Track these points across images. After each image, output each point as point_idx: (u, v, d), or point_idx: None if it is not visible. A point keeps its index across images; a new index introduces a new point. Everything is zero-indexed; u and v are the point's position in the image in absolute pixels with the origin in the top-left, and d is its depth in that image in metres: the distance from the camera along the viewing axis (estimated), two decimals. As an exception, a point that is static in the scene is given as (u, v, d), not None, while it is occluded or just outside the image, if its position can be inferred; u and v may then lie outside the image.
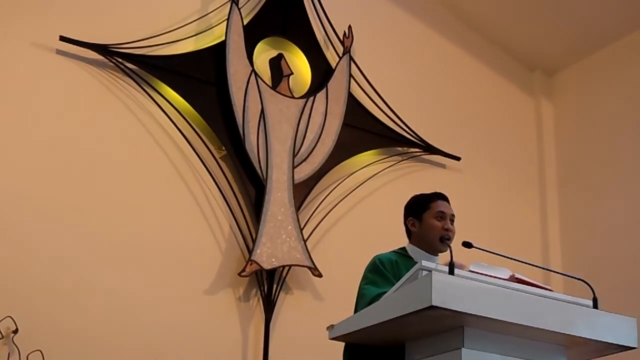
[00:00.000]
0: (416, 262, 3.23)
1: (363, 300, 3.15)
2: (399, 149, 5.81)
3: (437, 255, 3.40)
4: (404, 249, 3.45)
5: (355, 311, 3.19)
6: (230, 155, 5.09)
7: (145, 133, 4.96)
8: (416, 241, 3.44)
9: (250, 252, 4.91)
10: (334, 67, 5.59)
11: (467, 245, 2.97)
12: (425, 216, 3.41)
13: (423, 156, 5.91)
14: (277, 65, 5.46)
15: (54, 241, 4.50)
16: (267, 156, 5.12)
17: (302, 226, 5.11)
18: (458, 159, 6.03)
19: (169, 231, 4.86)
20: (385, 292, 3.04)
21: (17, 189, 4.49)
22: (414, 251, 3.41)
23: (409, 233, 3.49)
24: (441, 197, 3.47)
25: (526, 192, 6.42)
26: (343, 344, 3.21)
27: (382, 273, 3.24)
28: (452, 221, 3.41)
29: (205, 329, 4.80)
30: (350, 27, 5.70)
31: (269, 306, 4.96)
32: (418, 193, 3.57)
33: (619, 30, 6.15)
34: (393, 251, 3.42)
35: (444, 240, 3.31)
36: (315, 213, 5.30)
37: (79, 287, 4.50)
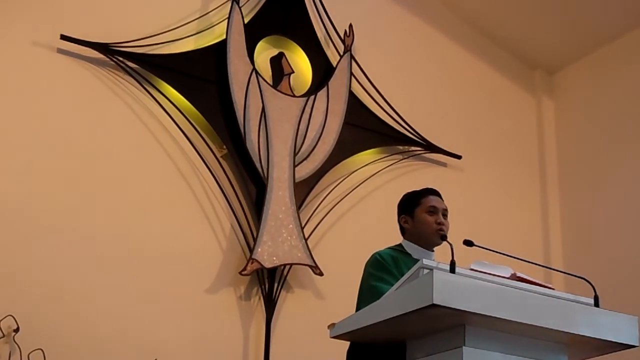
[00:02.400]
0: (414, 258, 3.26)
1: (376, 296, 3.09)
2: (400, 147, 5.81)
3: (432, 250, 3.42)
4: (400, 245, 3.46)
5: (362, 307, 3.16)
6: (231, 154, 5.09)
7: (146, 131, 4.96)
8: (410, 238, 3.45)
9: (251, 250, 4.91)
10: (334, 65, 5.59)
11: (468, 243, 2.98)
12: (417, 212, 3.42)
13: (424, 155, 5.91)
14: (278, 64, 5.46)
15: (55, 240, 4.50)
16: (268, 155, 5.12)
17: (303, 225, 5.11)
18: (459, 157, 6.03)
19: (170, 230, 4.86)
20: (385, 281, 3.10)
21: (18, 187, 4.49)
22: (409, 247, 3.41)
23: (402, 231, 3.49)
24: (432, 192, 3.48)
25: (527, 191, 6.41)
26: (344, 342, 3.21)
27: (387, 269, 3.25)
28: (445, 215, 3.41)
29: (206, 328, 4.80)
30: (351, 25, 5.69)
31: (270, 305, 4.96)
32: (409, 191, 3.58)
33: (620, 29, 6.15)
34: (390, 247, 3.43)
35: (443, 237, 3.30)
36: (316, 212, 5.29)
37: (80, 285, 4.50)
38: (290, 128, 5.27)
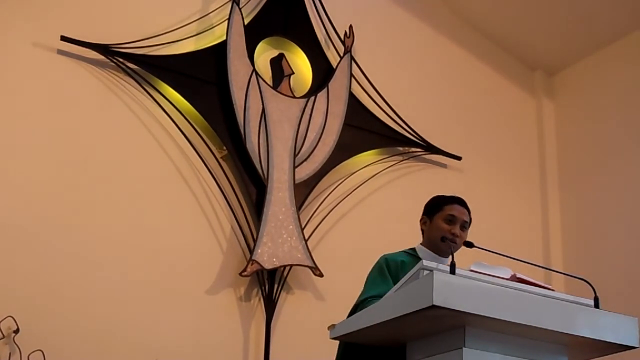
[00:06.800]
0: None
1: (354, 305, 3.18)
2: (400, 148, 5.81)
3: (446, 257, 3.36)
4: (413, 249, 3.43)
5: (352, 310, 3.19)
6: (232, 155, 5.09)
7: (146, 133, 4.96)
8: (425, 241, 3.44)
9: (251, 251, 4.91)
10: (334, 66, 5.59)
11: (468, 244, 2.97)
12: (436, 217, 3.40)
13: (424, 156, 5.91)
14: (278, 65, 5.46)
15: (55, 241, 4.50)
16: (268, 156, 5.12)
17: (303, 226, 5.11)
18: (459, 158, 6.03)
19: (170, 231, 4.86)
20: (374, 296, 3.08)
21: (18, 189, 4.49)
22: (422, 252, 3.39)
23: (422, 232, 3.48)
24: (458, 201, 3.44)
25: (527, 192, 6.41)
26: (344, 344, 3.21)
27: (384, 275, 3.24)
28: (463, 227, 3.38)
29: (206, 329, 4.80)
30: (351, 26, 5.69)
31: (270, 306, 4.96)
32: (422, 194, 3.56)
33: (620, 30, 6.15)
34: (403, 251, 3.41)
35: (445, 240, 3.29)
36: (316, 213, 5.29)
37: (80, 286, 4.50)
38: (291, 129, 5.27)
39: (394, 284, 3.09)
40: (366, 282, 3.29)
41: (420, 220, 3.48)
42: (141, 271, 4.70)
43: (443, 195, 3.51)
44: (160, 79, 5.02)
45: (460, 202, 3.45)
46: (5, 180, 4.47)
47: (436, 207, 3.43)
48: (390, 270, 3.25)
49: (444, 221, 3.37)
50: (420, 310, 2.63)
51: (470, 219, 3.44)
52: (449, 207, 3.40)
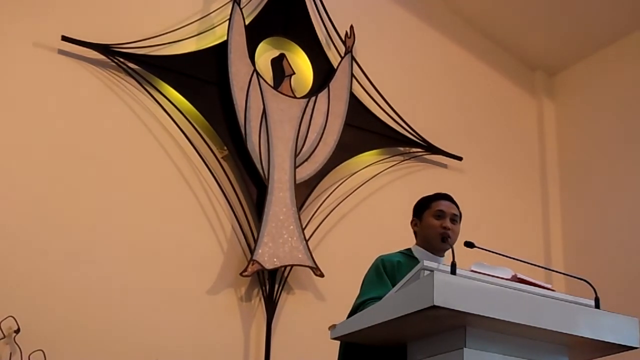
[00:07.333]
0: (420, 263, 3.25)
1: (352, 307, 3.19)
2: (401, 149, 5.81)
3: (442, 255, 3.39)
4: (409, 249, 3.44)
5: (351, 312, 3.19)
6: (232, 155, 5.09)
7: (147, 133, 4.96)
8: (419, 241, 3.45)
9: (252, 252, 4.92)
10: (335, 67, 5.59)
11: (469, 245, 2.97)
12: (425, 215, 3.42)
13: (425, 156, 5.91)
14: (279, 65, 5.46)
15: (56, 241, 4.50)
16: (269, 156, 5.12)
17: (303, 226, 5.12)
18: (460, 159, 6.03)
19: (170, 231, 4.86)
20: (373, 298, 3.07)
21: (19, 189, 4.50)
22: (418, 252, 3.40)
23: (414, 234, 3.49)
24: (443, 197, 3.47)
25: (528, 192, 6.41)
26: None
27: (381, 276, 3.25)
28: (454, 221, 3.39)
29: (207, 329, 4.80)
30: (352, 27, 5.70)
31: (271, 306, 4.96)
32: (423, 194, 3.57)
33: (621, 30, 6.15)
34: (399, 251, 3.42)
35: (445, 239, 3.30)
36: (317, 213, 5.30)
37: (81, 286, 4.50)
38: (291, 129, 5.27)
39: (392, 284, 3.10)
40: (363, 284, 3.30)
41: (411, 223, 3.49)
42: (142, 271, 4.70)
43: (428, 195, 3.52)
44: (161, 79, 5.02)
45: (446, 197, 3.48)
46: (5, 180, 4.47)
47: (423, 206, 3.45)
48: (386, 271, 3.26)
49: (434, 217, 3.39)
50: (421, 310, 2.63)
51: (460, 213, 3.46)
52: (435, 204, 3.42)
